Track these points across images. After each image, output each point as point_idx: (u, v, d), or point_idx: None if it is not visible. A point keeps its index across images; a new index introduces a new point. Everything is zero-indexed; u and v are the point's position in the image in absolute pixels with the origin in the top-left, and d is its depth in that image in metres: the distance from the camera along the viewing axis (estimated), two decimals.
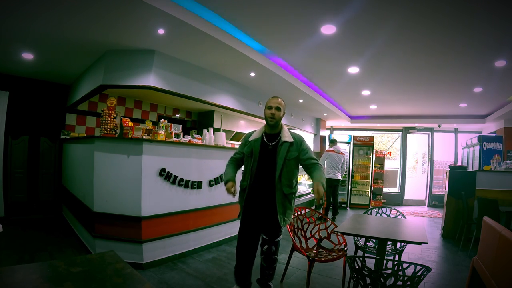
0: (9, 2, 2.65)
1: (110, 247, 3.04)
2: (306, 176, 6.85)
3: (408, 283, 1.60)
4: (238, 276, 2.46)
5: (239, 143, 2.57)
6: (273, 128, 2.38)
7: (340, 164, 6.10)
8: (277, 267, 3.28)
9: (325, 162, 6.10)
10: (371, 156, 8.61)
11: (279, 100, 2.36)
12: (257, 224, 2.39)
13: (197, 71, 4.35)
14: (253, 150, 2.35)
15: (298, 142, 2.37)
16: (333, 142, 6.40)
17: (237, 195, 2.45)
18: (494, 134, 7.51)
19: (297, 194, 5.46)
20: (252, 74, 4.70)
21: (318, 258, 2.62)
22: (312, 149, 8.53)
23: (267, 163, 2.32)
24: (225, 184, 2.35)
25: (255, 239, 2.41)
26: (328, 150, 6.19)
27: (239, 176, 2.50)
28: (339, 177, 6.06)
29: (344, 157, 6.32)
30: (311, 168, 2.36)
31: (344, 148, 8.55)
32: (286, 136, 2.35)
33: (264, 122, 2.48)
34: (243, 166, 2.54)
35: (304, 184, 6.41)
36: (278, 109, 2.32)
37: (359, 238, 2.95)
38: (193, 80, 4.29)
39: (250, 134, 2.47)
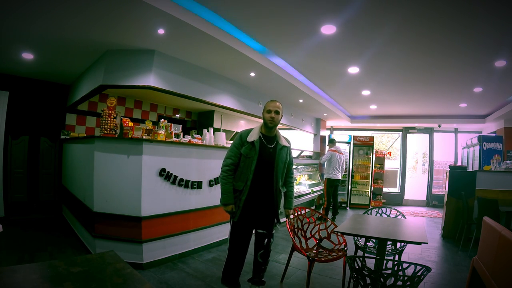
0: (9, 2, 2.65)
1: (110, 247, 3.04)
2: (306, 176, 6.85)
3: (408, 283, 1.60)
4: (232, 279, 2.44)
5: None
6: (271, 131, 2.45)
7: (341, 164, 6.12)
8: (277, 267, 3.29)
9: (327, 162, 6.09)
10: (371, 156, 8.60)
11: (278, 104, 2.42)
12: (254, 223, 2.44)
13: (197, 71, 4.34)
14: (254, 151, 2.36)
15: (290, 147, 2.57)
16: (332, 142, 6.39)
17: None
18: (494, 134, 7.51)
19: (297, 194, 5.53)
20: (252, 74, 4.70)
21: (318, 258, 2.62)
22: (312, 149, 8.55)
23: (266, 164, 2.39)
24: (225, 205, 2.41)
25: (249, 238, 2.46)
26: (331, 150, 6.19)
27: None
28: (340, 177, 6.08)
29: (344, 156, 6.34)
30: (289, 184, 2.62)
31: (344, 148, 8.55)
32: (283, 141, 2.50)
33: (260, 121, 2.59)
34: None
35: (304, 184, 6.41)
36: (277, 112, 2.39)
37: (359, 238, 2.95)
38: (193, 80, 4.29)
39: (246, 134, 2.43)
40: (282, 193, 2.59)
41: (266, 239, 2.44)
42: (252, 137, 2.39)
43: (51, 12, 2.83)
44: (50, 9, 2.76)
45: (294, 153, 6.89)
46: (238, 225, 2.40)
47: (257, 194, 2.38)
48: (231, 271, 2.42)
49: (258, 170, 2.35)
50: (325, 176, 6.07)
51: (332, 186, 5.99)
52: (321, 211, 5.53)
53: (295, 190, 5.85)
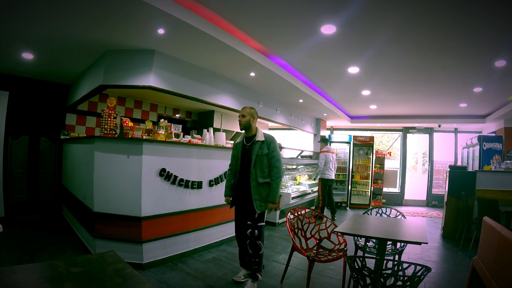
0: (11, 4, 2.65)
1: (110, 247, 3.04)
2: (306, 176, 6.85)
3: (408, 283, 1.60)
4: (240, 258, 2.96)
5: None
6: (248, 132, 2.86)
7: (334, 163, 6.15)
8: (277, 267, 3.29)
9: (323, 163, 6.06)
10: (371, 156, 8.60)
11: (245, 109, 2.86)
12: (242, 213, 2.81)
13: (197, 71, 4.34)
14: (237, 152, 2.87)
15: (268, 141, 2.80)
16: (325, 141, 6.37)
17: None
18: (494, 134, 7.51)
19: (297, 195, 5.53)
20: (252, 74, 4.70)
21: (318, 258, 2.62)
22: (312, 149, 8.54)
23: (246, 160, 2.79)
24: (224, 197, 3.02)
25: (242, 226, 2.82)
26: (324, 151, 6.16)
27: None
28: (333, 176, 6.17)
29: (335, 155, 6.41)
30: (272, 177, 2.75)
31: (344, 148, 8.56)
32: (259, 137, 2.81)
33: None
34: None
35: (304, 184, 6.41)
36: (243, 116, 2.82)
37: (359, 238, 2.95)
38: (193, 80, 4.29)
39: (236, 140, 2.96)
40: (265, 187, 2.75)
41: (250, 229, 2.69)
42: (237, 141, 2.93)
43: (54, 14, 2.85)
44: (53, 11, 2.78)
45: (294, 153, 6.89)
46: (235, 213, 2.92)
47: (241, 187, 2.79)
48: (239, 252, 2.96)
49: (242, 166, 2.81)
50: (319, 176, 6.09)
51: (326, 185, 6.01)
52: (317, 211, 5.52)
53: (295, 188, 5.93)
